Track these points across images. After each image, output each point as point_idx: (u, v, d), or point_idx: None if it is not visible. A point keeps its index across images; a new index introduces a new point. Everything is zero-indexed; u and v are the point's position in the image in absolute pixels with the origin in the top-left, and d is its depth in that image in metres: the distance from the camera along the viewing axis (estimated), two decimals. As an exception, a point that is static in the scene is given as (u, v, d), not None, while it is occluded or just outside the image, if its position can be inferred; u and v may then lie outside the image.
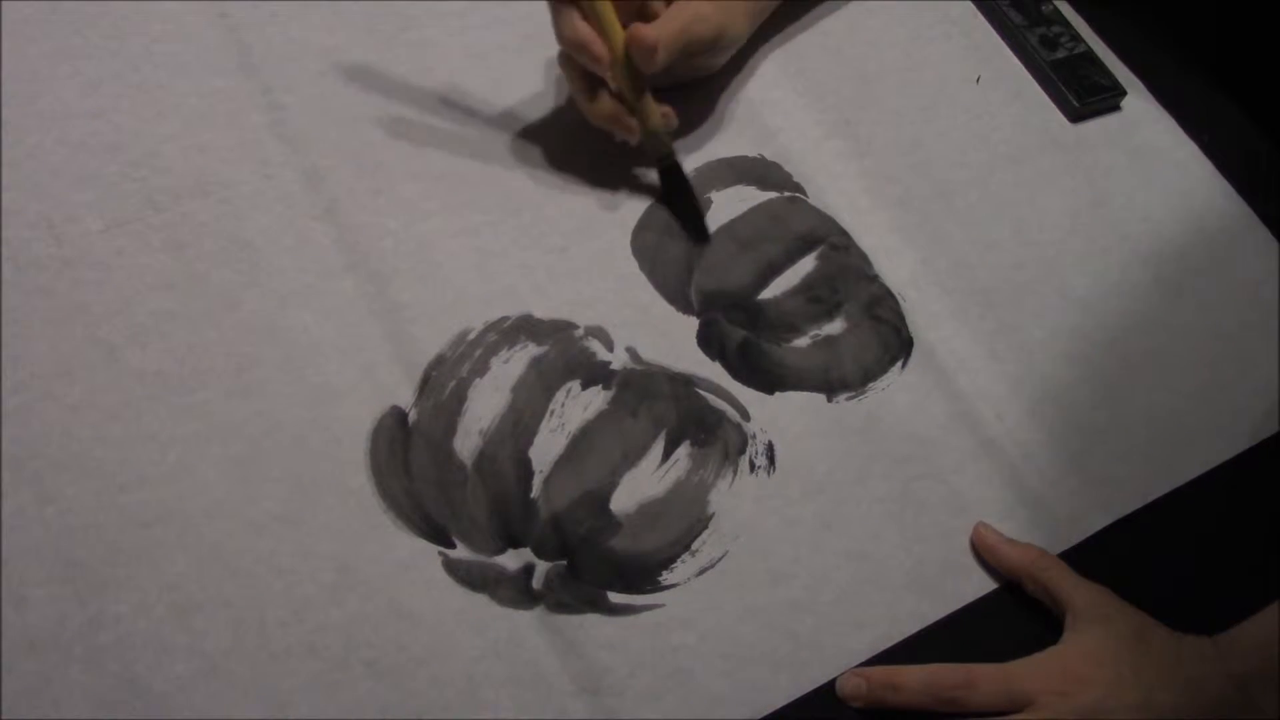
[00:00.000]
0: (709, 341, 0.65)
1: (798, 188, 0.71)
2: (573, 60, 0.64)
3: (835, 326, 0.67)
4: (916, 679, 0.56)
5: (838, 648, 0.58)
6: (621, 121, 0.66)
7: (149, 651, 0.53)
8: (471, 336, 0.63)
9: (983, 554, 0.61)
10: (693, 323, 0.66)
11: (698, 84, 0.73)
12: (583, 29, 0.63)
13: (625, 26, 0.64)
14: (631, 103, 0.66)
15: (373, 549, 0.56)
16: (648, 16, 0.66)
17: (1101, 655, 0.56)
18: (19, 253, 0.61)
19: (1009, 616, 0.60)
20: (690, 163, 0.71)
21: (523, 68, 0.72)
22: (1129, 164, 0.77)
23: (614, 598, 0.57)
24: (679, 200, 0.69)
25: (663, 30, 0.64)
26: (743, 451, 0.62)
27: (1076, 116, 0.78)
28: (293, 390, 0.60)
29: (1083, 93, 0.78)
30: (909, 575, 0.60)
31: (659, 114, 0.67)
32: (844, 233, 0.70)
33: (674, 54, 0.65)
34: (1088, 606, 0.58)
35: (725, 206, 0.70)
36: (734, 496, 0.61)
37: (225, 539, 0.56)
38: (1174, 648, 0.57)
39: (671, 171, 0.69)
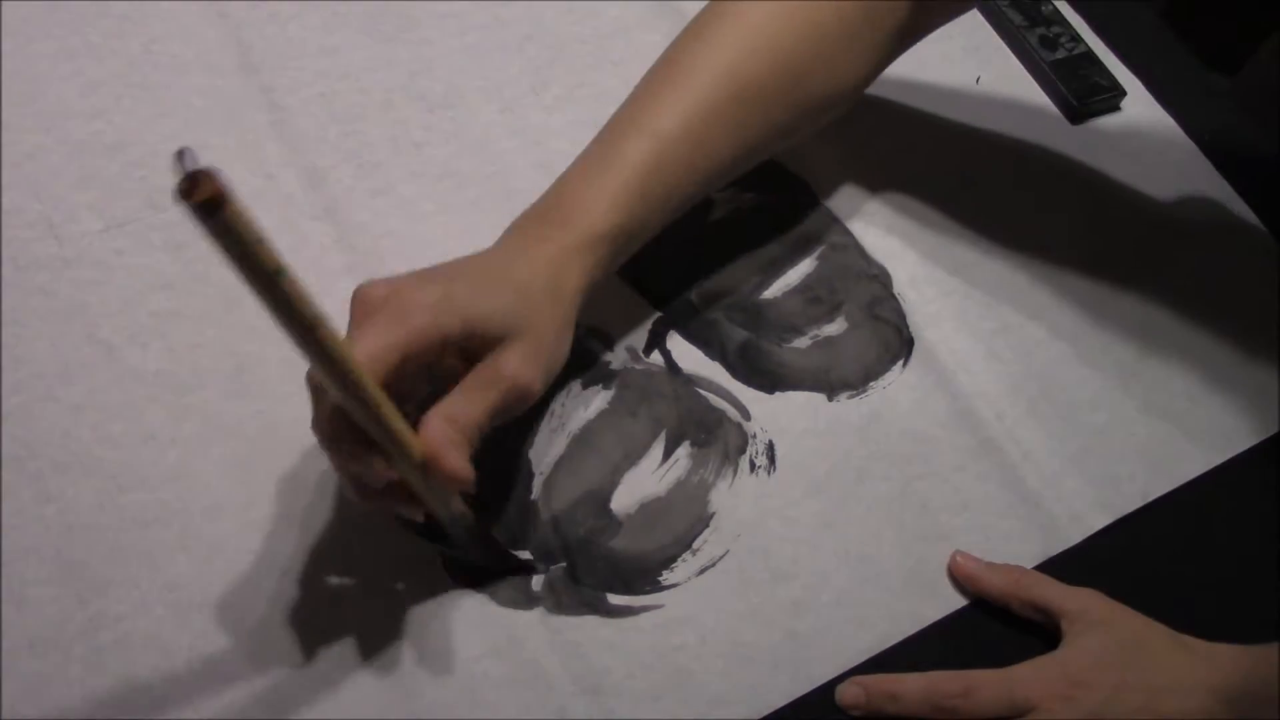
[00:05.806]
0: (709, 341, 0.65)
1: (798, 187, 0.71)
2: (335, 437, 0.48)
3: (835, 327, 0.67)
4: (916, 687, 0.55)
5: (838, 648, 0.58)
6: (403, 506, 0.51)
7: (149, 651, 0.53)
8: (471, 336, 0.62)
9: (963, 583, 0.60)
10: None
11: None
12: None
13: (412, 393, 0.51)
14: (429, 505, 0.51)
15: (373, 549, 0.56)
16: (443, 378, 0.51)
17: (1103, 659, 0.56)
18: (19, 253, 0.61)
19: (1009, 617, 0.59)
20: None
21: (523, 67, 0.72)
22: (1129, 164, 0.76)
23: (614, 598, 0.57)
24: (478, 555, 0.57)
25: (464, 431, 0.49)
26: (743, 451, 0.62)
27: (1076, 116, 0.78)
28: (293, 390, 0.59)
29: (1083, 93, 0.77)
30: (909, 575, 0.60)
31: (460, 508, 0.53)
32: (844, 232, 0.70)
33: (483, 434, 0.50)
34: (1084, 611, 0.57)
35: (725, 206, 0.70)
36: (734, 496, 0.61)
37: (225, 539, 0.56)
38: (1175, 650, 0.57)
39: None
